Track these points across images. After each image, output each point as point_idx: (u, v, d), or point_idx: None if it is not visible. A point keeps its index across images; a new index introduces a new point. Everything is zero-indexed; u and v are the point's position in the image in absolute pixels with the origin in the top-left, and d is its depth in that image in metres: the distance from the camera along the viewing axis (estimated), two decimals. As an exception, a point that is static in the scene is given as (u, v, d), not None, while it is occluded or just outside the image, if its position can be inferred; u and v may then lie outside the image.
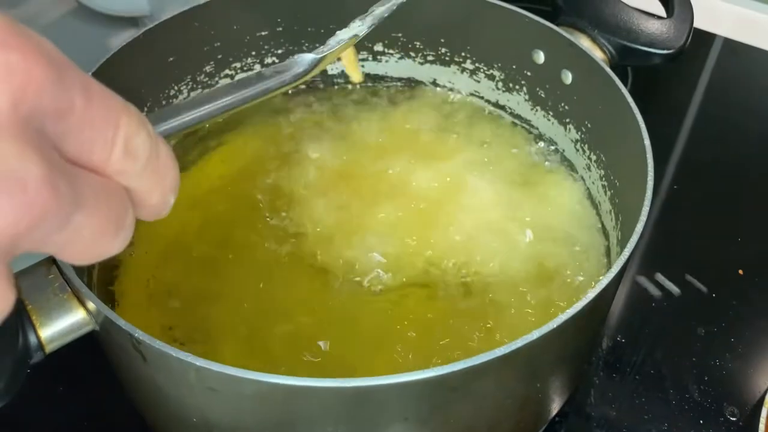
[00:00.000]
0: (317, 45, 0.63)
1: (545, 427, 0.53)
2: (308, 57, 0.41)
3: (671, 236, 0.66)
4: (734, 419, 0.54)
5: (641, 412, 0.54)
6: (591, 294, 0.39)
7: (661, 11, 0.61)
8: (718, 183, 0.71)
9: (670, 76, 0.83)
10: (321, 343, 0.48)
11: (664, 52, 0.56)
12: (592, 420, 0.54)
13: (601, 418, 0.54)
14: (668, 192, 0.70)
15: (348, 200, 0.56)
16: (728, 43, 0.86)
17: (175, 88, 0.59)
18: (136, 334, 0.37)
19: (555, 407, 0.50)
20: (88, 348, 0.42)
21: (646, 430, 0.54)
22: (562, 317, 0.38)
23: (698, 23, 0.80)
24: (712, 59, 0.86)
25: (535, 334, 0.37)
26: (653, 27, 0.57)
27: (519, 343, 0.37)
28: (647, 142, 0.48)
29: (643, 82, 0.78)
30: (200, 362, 0.35)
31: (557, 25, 0.57)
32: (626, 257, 0.42)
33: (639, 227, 0.43)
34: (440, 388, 0.37)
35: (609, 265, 0.53)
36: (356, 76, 0.53)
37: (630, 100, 0.50)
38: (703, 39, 0.86)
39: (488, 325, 0.49)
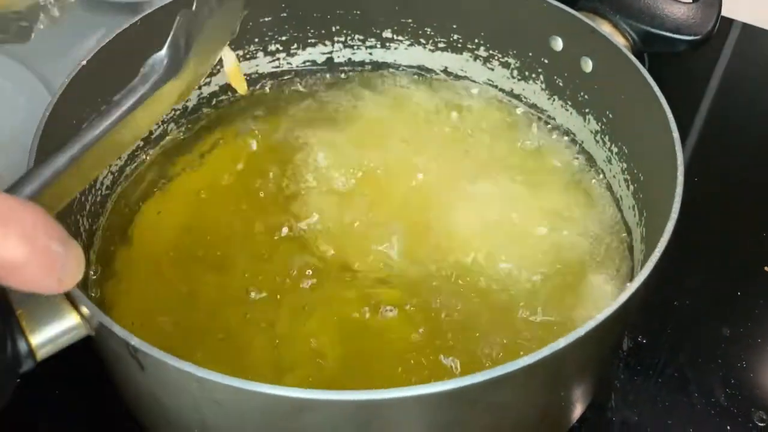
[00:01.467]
0: (323, 31, 0.62)
1: (565, 434, 0.51)
2: (158, 56, 0.37)
3: (692, 231, 0.63)
4: (762, 425, 0.51)
5: (664, 417, 0.52)
6: (619, 300, 0.37)
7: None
8: (739, 174, 0.68)
9: (686, 63, 0.80)
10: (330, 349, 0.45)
11: (690, 38, 0.53)
12: (614, 425, 0.51)
13: (622, 422, 0.52)
14: (688, 184, 0.67)
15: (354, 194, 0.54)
16: (746, 28, 0.83)
17: (175, 76, 0.56)
18: (133, 342, 0.34)
19: (576, 414, 0.47)
20: (86, 351, 0.39)
21: (670, 436, 0.51)
22: (590, 325, 0.35)
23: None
24: (729, 45, 0.84)
25: (562, 343, 0.35)
26: (678, 12, 0.54)
27: (544, 352, 0.34)
28: (676, 134, 0.45)
29: (658, 69, 0.75)
30: (201, 372, 0.33)
31: (577, 10, 0.54)
32: (656, 260, 0.39)
33: (670, 226, 0.40)
34: (457, 402, 0.35)
35: (632, 263, 0.51)
36: (241, 88, 0.50)
37: (657, 89, 0.47)
38: (720, 25, 0.83)
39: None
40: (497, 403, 0.37)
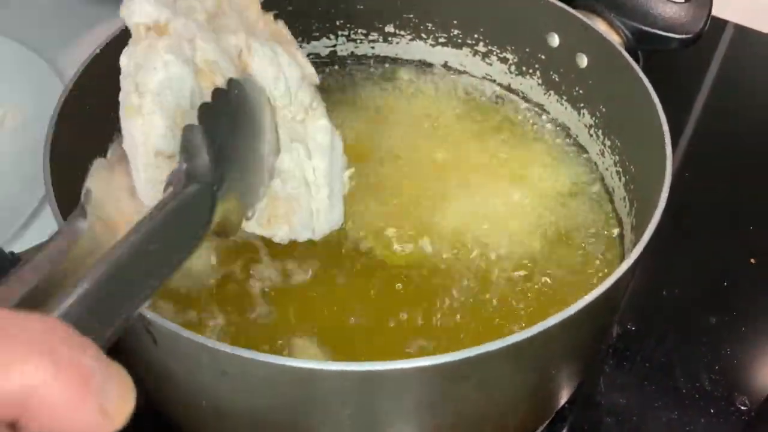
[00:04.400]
0: (327, 25, 0.63)
1: (555, 416, 0.53)
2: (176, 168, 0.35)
3: (682, 224, 0.65)
4: (745, 408, 0.53)
5: (651, 401, 0.54)
6: (605, 284, 0.39)
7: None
8: (729, 170, 0.71)
9: (680, 62, 0.82)
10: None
11: (682, 36, 0.55)
12: (602, 408, 0.54)
13: (610, 406, 0.54)
14: (680, 178, 0.69)
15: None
16: (739, 29, 0.85)
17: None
18: (148, 316, 0.36)
19: (565, 395, 0.49)
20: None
21: (656, 419, 0.53)
22: (575, 307, 0.37)
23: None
24: (723, 46, 0.85)
25: (551, 321, 0.37)
26: (671, 11, 0.56)
27: (534, 330, 0.36)
28: (666, 128, 0.47)
29: (652, 67, 0.77)
30: (212, 344, 0.35)
31: (573, 7, 0.56)
32: (641, 248, 0.41)
33: (656, 215, 0.42)
34: (453, 375, 0.37)
35: (623, 253, 0.53)
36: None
37: (648, 85, 0.49)
38: (714, 25, 0.85)
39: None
40: (487, 379, 0.39)
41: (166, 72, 0.38)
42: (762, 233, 0.64)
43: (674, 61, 0.81)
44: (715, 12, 0.83)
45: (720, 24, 0.85)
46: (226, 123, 0.39)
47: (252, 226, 0.43)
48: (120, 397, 0.23)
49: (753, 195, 0.68)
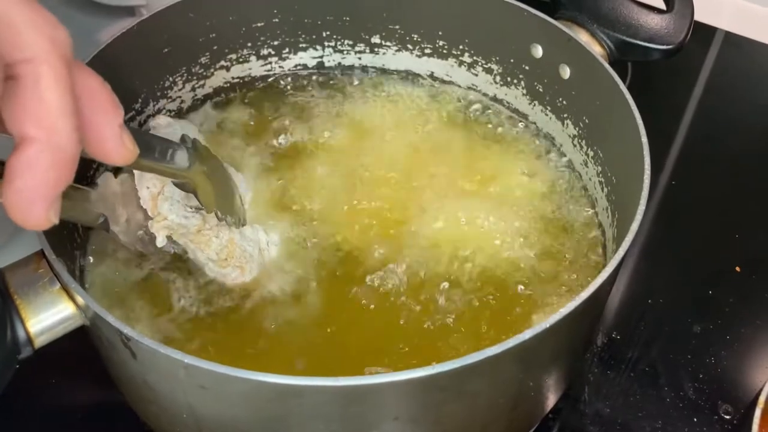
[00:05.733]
0: (314, 36, 0.64)
1: (539, 426, 0.53)
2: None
3: (668, 232, 0.66)
4: (728, 417, 0.54)
5: (635, 409, 0.54)
6: (584, 294, 0.39)
7: (661, 5, 0.60)
8: (717, 178, 0.71)
9: (670, 69, 0.82)
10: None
11: (664, 47, 0.55)
12: (586, 417, 0.54)
13: (594, 414, 0.54)
14: (666, 187, 0.70)
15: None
16: (729, 36, 0.86)
17: (170, 79, 0.59)
18: (125, 331, 0.37)
19: (548, 405, 0.50)
20: (81, 340, 0.42)
21: (640, 428, 0.54)
22: (555, 317, 0.38)
23: (699, 16, 0.78)
24: (712, 53, 0.86)
25: (527, 334, 0.37)
26: (653, 22, 0.56)
27: (510, 343, 0.37)
28: (644, 139, 0.47)
29: (642, 75, 0.78)
30: (189, 359, 0.35)
31: (556, 19, 0.56)
32: (620, 257, 0.41)
33: (634, 226, 0.43)
34: (430, 388, 0.37)
35: (605, 262, 0.53)
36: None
37: (628, 96, 0.50)
38: (703, 32, 0.85)
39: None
40: (467, 390, 0.39)
41: None
42: (748, 242, 0.65)
43: (664, 68, 0.81)
44: (704, 19, 0.84)
45: (709, 31, 0.85)
46: (203, 151, 0.45)
47: (211, 269, 0.49)
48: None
49: (740, 203, 0.69)
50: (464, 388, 0.39)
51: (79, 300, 0.39)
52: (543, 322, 0.37)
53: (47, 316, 0.39)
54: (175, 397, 0.40)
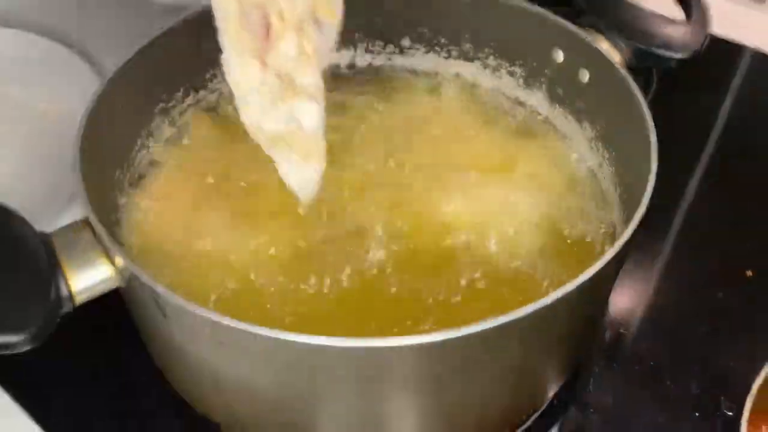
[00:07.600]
0: (346, 38, 0.67)
1: (544, 413, 0.55)
2: None
3: (680, 234, 0.67)
4: (731, 414, 0.55)
5: (638, 402, 0.56)
6: (591, 270, 0.41)
7: (680, 16, 0.63)
8: (731, 183, 0.72)
9: (697, 86, 0.83)
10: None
11: (678, 55, 0.58)
12: (590, 407, 0.56)
13: (597, 405, 0.56)
14: (695, 198, 0.71)
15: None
16: (757, 55, 0.87)
17: (211, 71, 0.63)
18: (158, 289, 0.40)
19: (550, 389, 0.52)
20: (111, 306, 0.45)
21: (643, 421, 0.55)
22: (568, 287, 0.40)
23: (727, 33, 0.80)
24: (741, 70, 0.87)
25: (533, 307, 0.39)
26: (669, 30, 0.58)
27: (519, 313, 0.39)
28: (654, 144, 0.49)
29: (669, 91, 0.79)
30: (214, 316, 0.38)
31: (577, 25, 0.59)
32: (623, 242, 0.43)
33: (631, 227, 0.44)
34: (439, 355, 0.40)
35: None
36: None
37: (642, 101, 0.52)
38: (732, 50, 0.87)
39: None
40: (473, 358, 0.41)
41: None
42: (760, 247, 0.66)
43: (692, 84, 0.83)
44: (733, 36, 0.85)
45: (738, 49, 0.86)
46: None
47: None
48: None
49: (755, 209, 0.70)
50: (471, 355, 0.41)
51: (118, 261, 0.42)
52: (547, 296, 0.40)
53: (88, 276, 0.43)
54: (199, 356, 0.44)
